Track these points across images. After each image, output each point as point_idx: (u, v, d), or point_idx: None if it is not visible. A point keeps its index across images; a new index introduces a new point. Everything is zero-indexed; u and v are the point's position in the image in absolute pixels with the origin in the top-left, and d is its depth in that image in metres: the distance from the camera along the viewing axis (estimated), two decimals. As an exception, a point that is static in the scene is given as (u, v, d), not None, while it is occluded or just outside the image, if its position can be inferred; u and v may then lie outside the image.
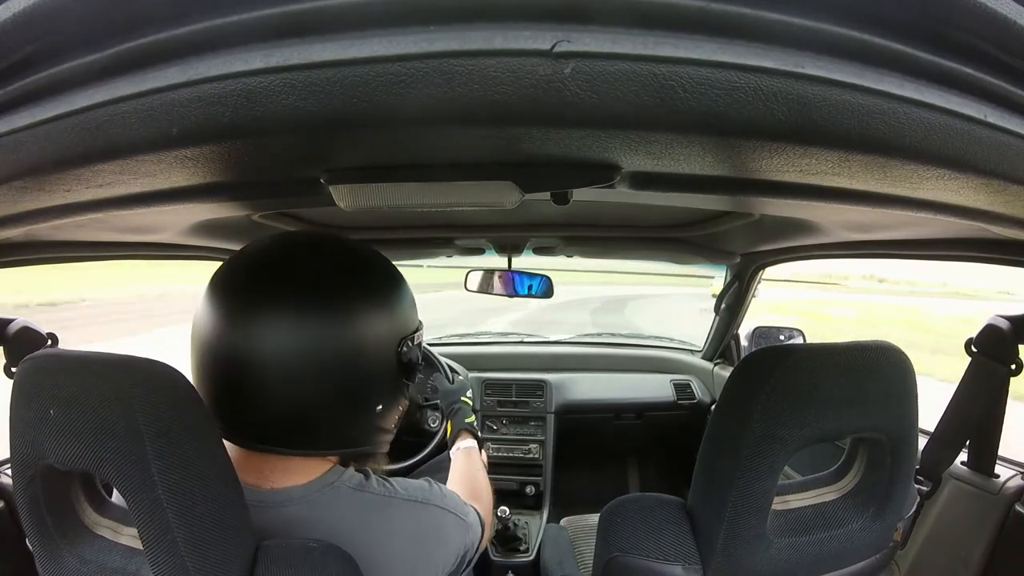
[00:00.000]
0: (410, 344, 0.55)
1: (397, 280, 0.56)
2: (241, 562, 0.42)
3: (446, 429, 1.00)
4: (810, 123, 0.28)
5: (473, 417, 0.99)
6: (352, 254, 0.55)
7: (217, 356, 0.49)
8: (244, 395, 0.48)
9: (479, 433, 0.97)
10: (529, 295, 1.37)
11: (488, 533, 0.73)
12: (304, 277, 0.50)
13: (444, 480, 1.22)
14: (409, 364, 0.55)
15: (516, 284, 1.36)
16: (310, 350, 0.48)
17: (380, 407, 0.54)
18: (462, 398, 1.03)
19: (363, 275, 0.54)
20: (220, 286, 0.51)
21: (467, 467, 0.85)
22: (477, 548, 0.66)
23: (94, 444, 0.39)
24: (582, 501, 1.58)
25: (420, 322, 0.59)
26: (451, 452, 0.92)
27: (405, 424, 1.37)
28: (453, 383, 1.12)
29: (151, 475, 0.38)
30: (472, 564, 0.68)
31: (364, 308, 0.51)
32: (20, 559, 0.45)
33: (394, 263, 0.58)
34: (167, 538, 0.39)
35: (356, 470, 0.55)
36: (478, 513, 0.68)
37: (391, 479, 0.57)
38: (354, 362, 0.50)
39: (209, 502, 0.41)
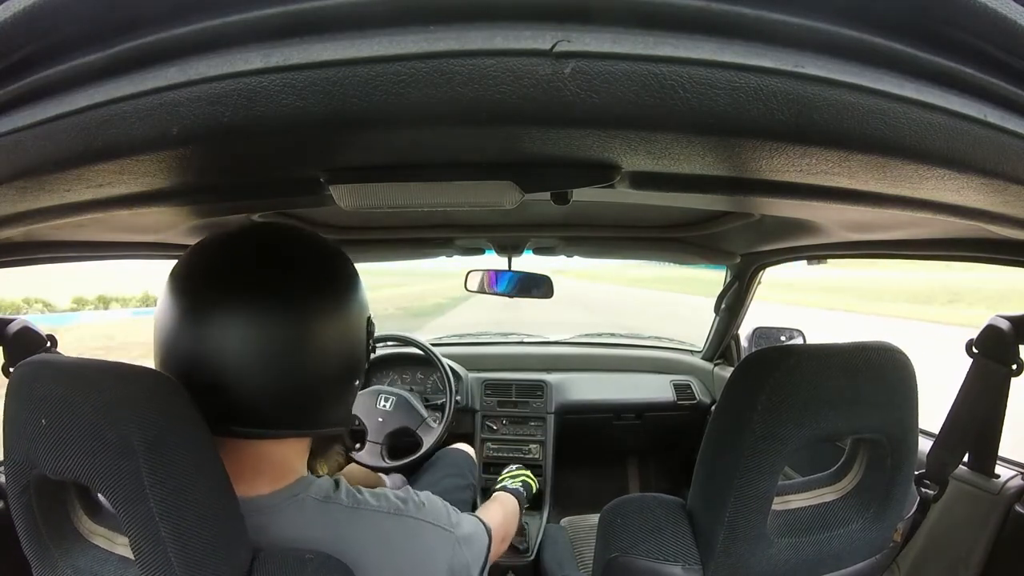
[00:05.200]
0: (371, 319, 0.62)
1: (352, 264, 0.61)
2: (236, 574, 0.41)
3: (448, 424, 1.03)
4: (810, 123, 0.28)
5: (522, 487, 1.07)
6: (317, 247, 0.57)
7: (192, 352, 0.48)
8: (223, 386, 0.48)
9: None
10: (529, 295, 1.38)
11: (499, 548, 0.78)
12: (294, 275, 0.52)
13: (442, 477, 1.22)
14: (372, 337, 0.62)
15: (516, 284, 1.37)
16: (308, 343, 0.51)
17: (358, 382, 0.59)
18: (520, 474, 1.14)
19: (333, 265, 0.57)
20: (183, 280, 0.51)
21: (498, 502, 0.94)
22: (484, 565, 0.65)
23: (85, 456, 0.38)
24: (582, 501, 1.59)
25: None
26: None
27: (404, 423, 1.38)
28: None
29: (143, 488, 0.37)
30: None
31: (346, 297, 0.56)
32: (21, 559, 0.44)
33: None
34: (159, 551, 0.38)
35: (331, 477, 0.55)
36: (484, 524, 0.67)
37: (365, 489, 0.56)
38: (342, 345, 0.55)
39: (202, 515, 0.40)
